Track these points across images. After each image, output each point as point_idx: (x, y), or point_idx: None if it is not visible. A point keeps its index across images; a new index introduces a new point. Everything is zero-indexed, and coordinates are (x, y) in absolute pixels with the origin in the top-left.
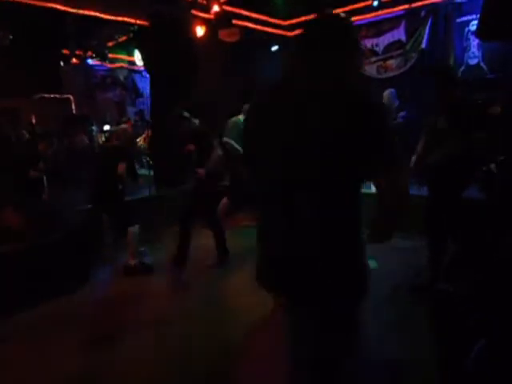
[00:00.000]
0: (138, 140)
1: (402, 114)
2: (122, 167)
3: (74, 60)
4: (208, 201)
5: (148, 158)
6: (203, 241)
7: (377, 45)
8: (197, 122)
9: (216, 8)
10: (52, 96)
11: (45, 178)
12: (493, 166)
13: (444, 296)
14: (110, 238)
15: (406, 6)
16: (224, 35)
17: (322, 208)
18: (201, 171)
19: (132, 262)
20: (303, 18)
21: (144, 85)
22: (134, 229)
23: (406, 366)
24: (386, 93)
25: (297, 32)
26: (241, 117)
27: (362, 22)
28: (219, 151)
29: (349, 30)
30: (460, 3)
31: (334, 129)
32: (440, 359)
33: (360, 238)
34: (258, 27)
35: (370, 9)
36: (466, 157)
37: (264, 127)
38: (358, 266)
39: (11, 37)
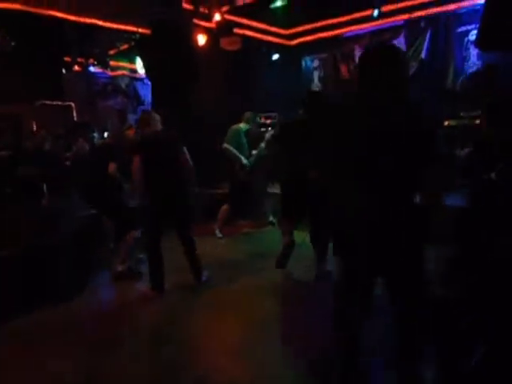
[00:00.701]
0: None
1: None
2: (111, 166)
3: (76, 67)
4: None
5: None
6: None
7: None
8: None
9: (217, 17)
10: (53, 103)
11: (45, 184)
12: (493, 174)
13: (441, 299)
14: (111, 241)
15: (406, 16)
16: (225, 44)
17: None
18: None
19: (119, 268)
20: (304, 27)
21: (145, 92)
22: (135, 234)
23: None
24: None
25: (297, 41)
26: (242, 125)
27: (362, 32)
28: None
29: (401, 57)
30: (460, 13)
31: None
32: (438, 360)
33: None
34: (259, 36)
35: (370, 19)
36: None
37: (349, 126)
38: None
39: (13, 43)
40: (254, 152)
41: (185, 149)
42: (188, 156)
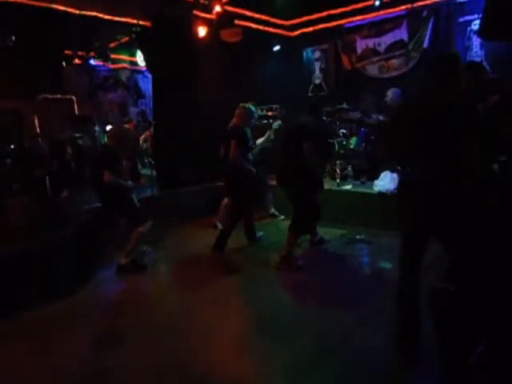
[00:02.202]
0: (141, 138)
1: None
2: (106, 176)
3: (77, 61)
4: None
5: (150, 159)
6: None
7: (379, 44)
8: None
9: (218, 8)
10: (54, 97)
11: (47, 178)
12: (495, 166)
13: (445, 296)
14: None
15: (408, 6)
16: (226, 35)
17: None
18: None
19: (123, 261)
20: (305, 18)
21: (146, 85)
22: (144, 228)
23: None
24: (390, 92)
25: (299, 32)
26: None
27: (364, 22)
28: None
29: (456, 63)
30: (462, 3)
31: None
32: (442, 359)
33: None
34: (260, 27)
35: (371, 9)
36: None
37: (410, 120)
38: None
39: (14, 38)
40: (258, 141)
41: (233, 143)
42: (236, 151)
